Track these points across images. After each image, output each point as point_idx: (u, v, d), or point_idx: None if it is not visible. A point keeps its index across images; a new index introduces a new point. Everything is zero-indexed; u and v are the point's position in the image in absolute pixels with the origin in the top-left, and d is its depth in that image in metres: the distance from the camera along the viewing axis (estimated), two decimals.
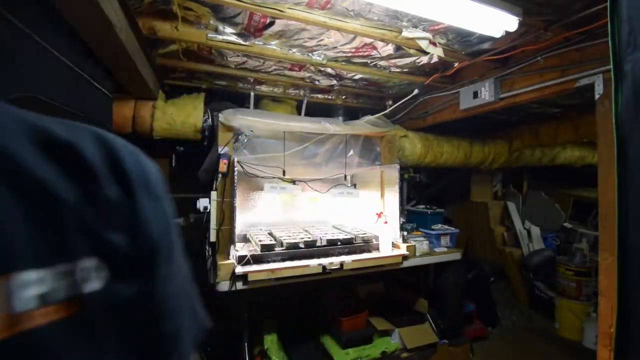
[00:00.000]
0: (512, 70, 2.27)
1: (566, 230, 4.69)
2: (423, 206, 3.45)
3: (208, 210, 2.29)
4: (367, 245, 2.54)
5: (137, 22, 1.75)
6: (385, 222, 2.57)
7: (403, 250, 2.55)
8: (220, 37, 1.99)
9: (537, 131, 3.74)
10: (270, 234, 2.64)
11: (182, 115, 2.51)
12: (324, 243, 2.40)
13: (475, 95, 2.47)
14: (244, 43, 2.07)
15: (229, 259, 2.13)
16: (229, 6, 1.68)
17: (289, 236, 2.48)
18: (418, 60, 2.32)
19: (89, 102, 1.75)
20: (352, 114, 3.36)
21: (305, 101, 3.14)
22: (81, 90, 1.64)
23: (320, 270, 2.20)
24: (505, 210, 4.76)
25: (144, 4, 1.69)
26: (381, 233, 2.56)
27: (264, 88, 2.97)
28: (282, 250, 2.26)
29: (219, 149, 2.35)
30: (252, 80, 2.78)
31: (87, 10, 1.25)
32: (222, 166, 2.30)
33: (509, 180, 5.29)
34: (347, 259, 2.31)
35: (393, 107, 2.91)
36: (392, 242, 2.58)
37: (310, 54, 2.27)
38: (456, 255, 2.95)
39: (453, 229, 3.16)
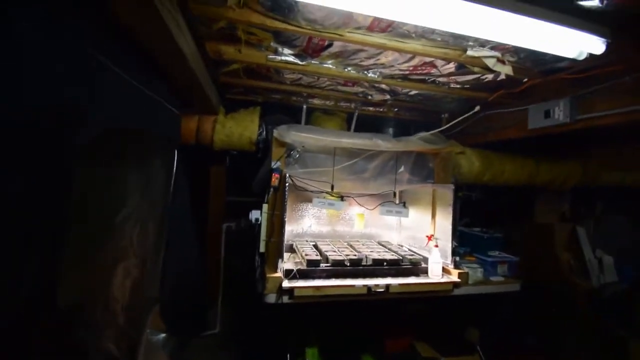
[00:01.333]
0: (592, 89, 2.02)
1: None
2: (478, 229, 3.22)
3: (259, 222, 2.38)
4: (415, 267, 2.44)
5: (205, 47, 1.88)
6: (436, 246, 2.45)
7: (454, 277, 2.40)
8: (279, 58, 2.05)
9: (618, 152, 3.28)
10: (316, 246, 2.66)
11: (240, 129, 2.64)
12: (370, 262, 2.36)
13: (547, 114, 2.24)
14: (301, 63, 2.11)
15: (276, 272, 2.19)
16: (291, 32, 1.73)
17: (334, 252, 2.49)
18: (482, 77, 2.17)
19: (161, 121, 1.93)
20: (403, 127, 3.26)
21: (356, 114, 3.12)
22: (156, 112, 1.81)
23: (365, 291, 2.16)
24: (574, 235, 4.25)
25: (213, 30, 1.81)
26: (431, 256, 2.44)
27: (316, 101, 3.01)
28: (327, 266, 2.27)
29: (272, 164, 2.44)
30: (305, 95, 2.84)
31: (166, 45, 1.37)
32: (274, 180, 2.37)
33: (579, 200, 4.70)
34: (394, 282, 2.25)
35: (451, 123, 2.77)
36: (443, 267, 2.45)
37: (365, 72, 2.25)
38: (514, 286, 2.71)
39: (512, 256, 2.90)
